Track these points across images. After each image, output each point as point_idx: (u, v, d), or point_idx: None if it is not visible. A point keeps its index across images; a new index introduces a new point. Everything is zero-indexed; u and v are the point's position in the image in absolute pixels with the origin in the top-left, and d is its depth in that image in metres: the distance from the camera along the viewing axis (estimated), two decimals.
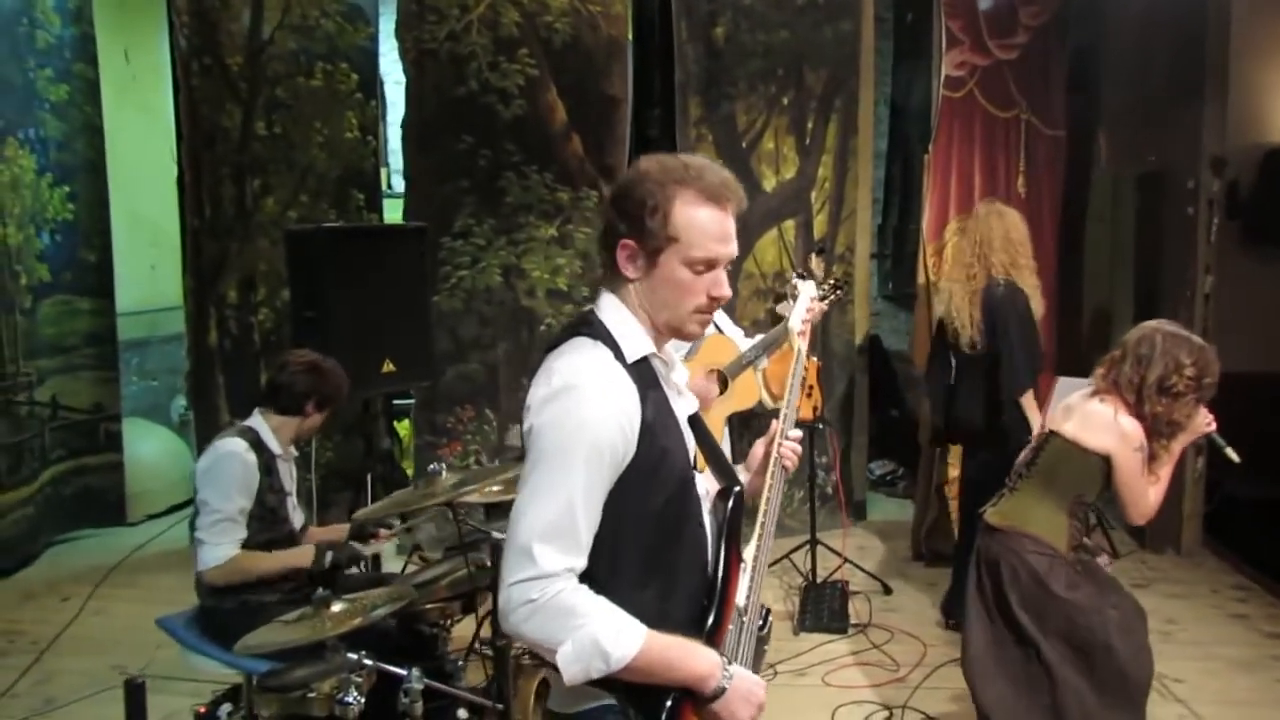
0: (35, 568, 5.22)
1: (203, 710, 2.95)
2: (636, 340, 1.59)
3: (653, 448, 1.54)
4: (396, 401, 6.12)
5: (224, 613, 2.86)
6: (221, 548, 2.81)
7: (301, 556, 2.92)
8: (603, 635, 1.44)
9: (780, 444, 1.85)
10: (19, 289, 5.18)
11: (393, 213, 6.15)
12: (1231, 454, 2.70)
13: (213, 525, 2.83)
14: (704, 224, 1.54)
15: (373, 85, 5.55)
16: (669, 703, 1.53)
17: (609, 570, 1.51)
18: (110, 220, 5.66)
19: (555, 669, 1.49)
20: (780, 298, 3.96)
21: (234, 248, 5.32)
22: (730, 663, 1.57)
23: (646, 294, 1.58)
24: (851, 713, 3.51)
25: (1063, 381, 4.65)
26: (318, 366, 3.08)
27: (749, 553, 1.74)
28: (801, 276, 2.17)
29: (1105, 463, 2.68)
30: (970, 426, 4.10)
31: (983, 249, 3.95)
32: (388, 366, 4.14)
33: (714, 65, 5.04)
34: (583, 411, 1.47)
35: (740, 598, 1.69)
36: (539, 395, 1.52)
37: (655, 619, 1.51)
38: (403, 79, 6.46)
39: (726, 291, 1.60)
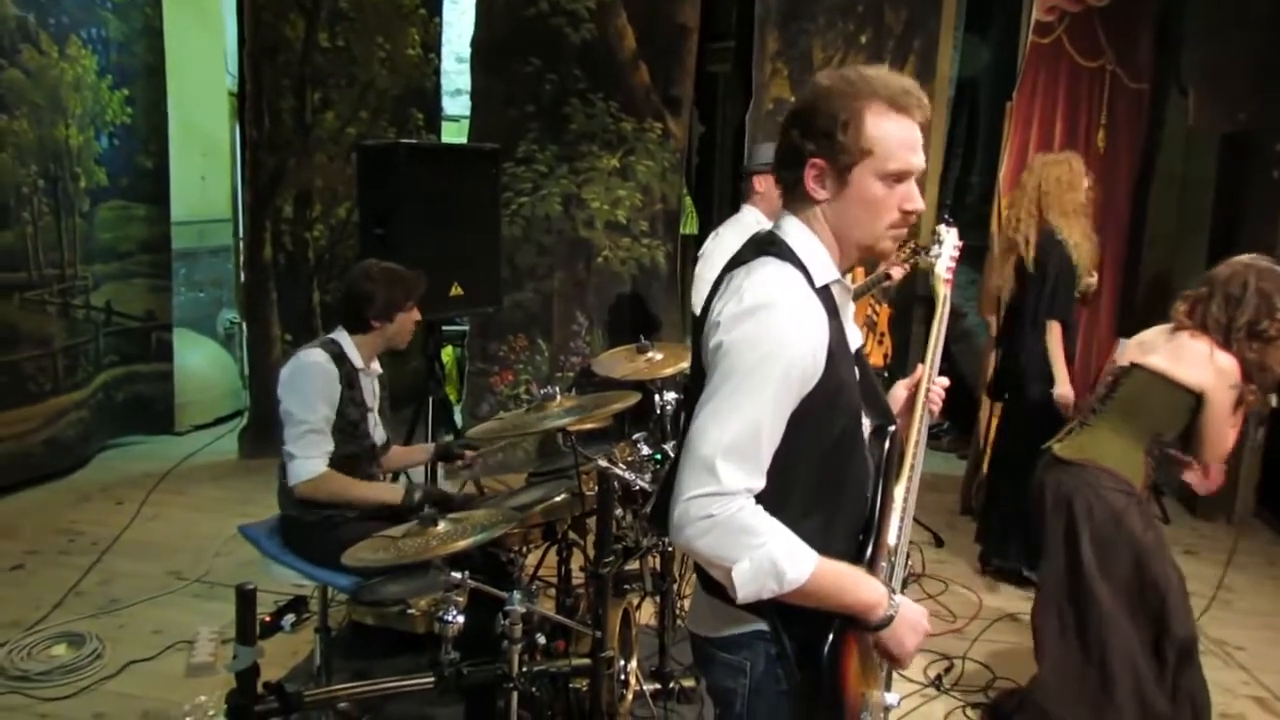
0: (89, 470, 5.27)
1: (268, 619, 2.97)
2: (823, 265, 1.54)
3: (833, 377, 1.49)
4: (445, 328, 6.08)
5: (307, 525, 2.85)
6: (312, 461, 2.79)
7: (392, 493, 2.89)
8: (780, 555, 1.41)
9: (928, 388, 1.82)
10: (78, 191, 5.12)
11: (446, 135, 6.05)
12: (1274, 400, 2.62)
13: (300, 437, 2.80)
14: (896, 134, 1.48)
15: (437, 1, 5.40)
16: (832, 635, 1.50)
17: (778, 495, 1.47)
18: (168, 128, 5.56)
19: (717, 595, 1.48)
20: (918, 249, 3.97)
21: (292, 162, 5.24)
22: (894, 592, 1.55)
23: (837, 214, 1.53)
24: (912, 663, 3.52)
25: (1123, 343, 4.60)
26: (394, 271, 3.03)
27: (899, 493, 1.72)
28: (947, 223, 2.09)
29: (1195, 399, 2.57)
30: (1004, 371, 4.15)
31: (1029, 194, 3.89)
32: (455, 290, 4.09)
33: None
34: (778, 331, 1.43)
35: (891, 537, 1.67)
36: (729, 311, 1.46)
37: (817, 547, 1.47)
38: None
39: (920, 204, 1.53)
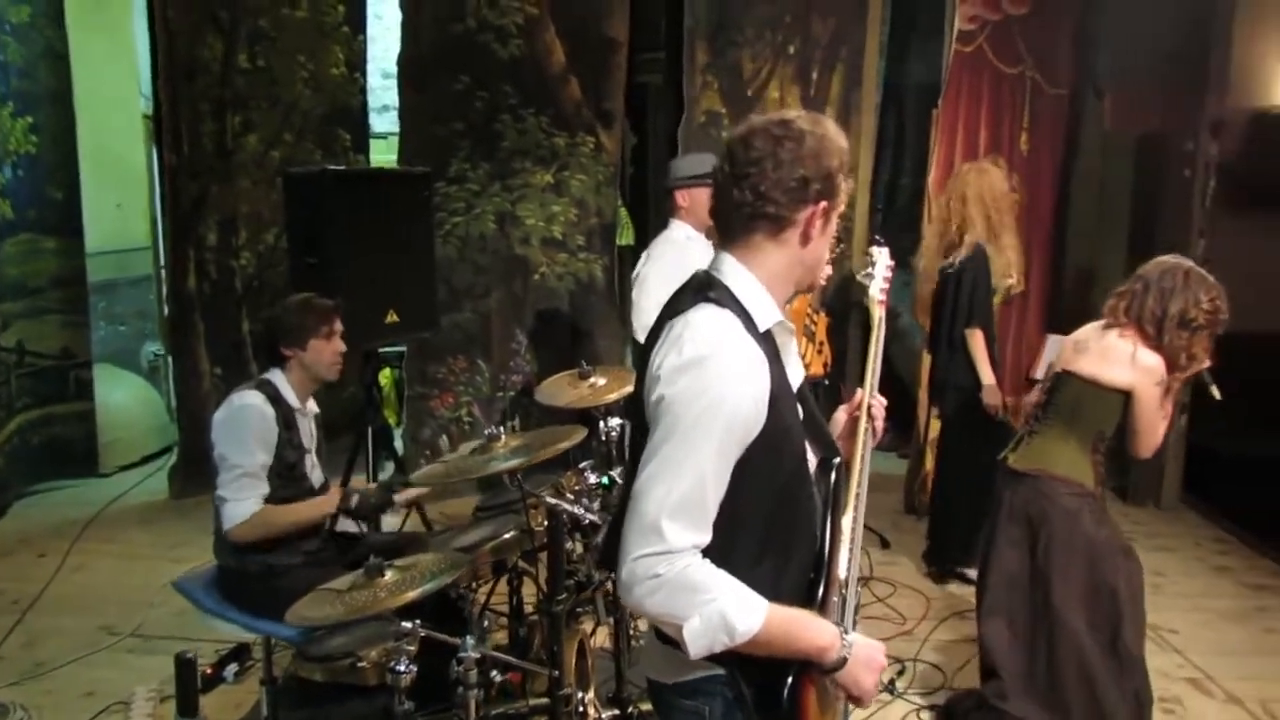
0: (6, 521, 5.02)
1: (210, 671, 2.88)
2: (766, 308, 1.54)
3: (777, 423, 1.49)
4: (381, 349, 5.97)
5: (247, 575, 2.76)
6: (245, 503, 2.71)
7: (328, 503, 2.84)
8: (730, 609, 1.41)
9: (869, 410, 1.82)
10: None
11: (375, 153, 5.94)
12: (1215, 391, 2.73)
13: (234, 481, 2.72)
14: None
15: (360, 18, 5.30)
16: (790, 678, 1.51)
17: (728, 545, 1.47)
18: (78, 155, 5.35)
19: (670, 643, 1.47)
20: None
21: (214, 188, 5.09)
22: (847, 632, 1.56)
23: (802, 256, 1.56)
24: None
25: (1052, 339, 4.73)
26: (307, 298, 2.97)
27: (846, 523, 1.71)
28: (877, 243, 2.11)
29: (1125, 397, 2.71)
30: (936, 378, 4.27)
31: (955, 203, 4.00)
32: (391, 317, 4.01)
33: (722, 11, 4.91)
34: (719, 384, 1.42)
35: (841, 570, 1.67)
36: (669, 364, 1.45)
37: (770, 592, 1.48)
38: (381, 14, 6.25)
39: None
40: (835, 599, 1.64)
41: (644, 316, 3.61)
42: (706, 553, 1.44)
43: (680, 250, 3.72)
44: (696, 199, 3.67)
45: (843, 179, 1.55)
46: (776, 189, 1.51)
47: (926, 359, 4.96)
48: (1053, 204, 5.17)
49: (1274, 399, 4.54)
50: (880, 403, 1.86)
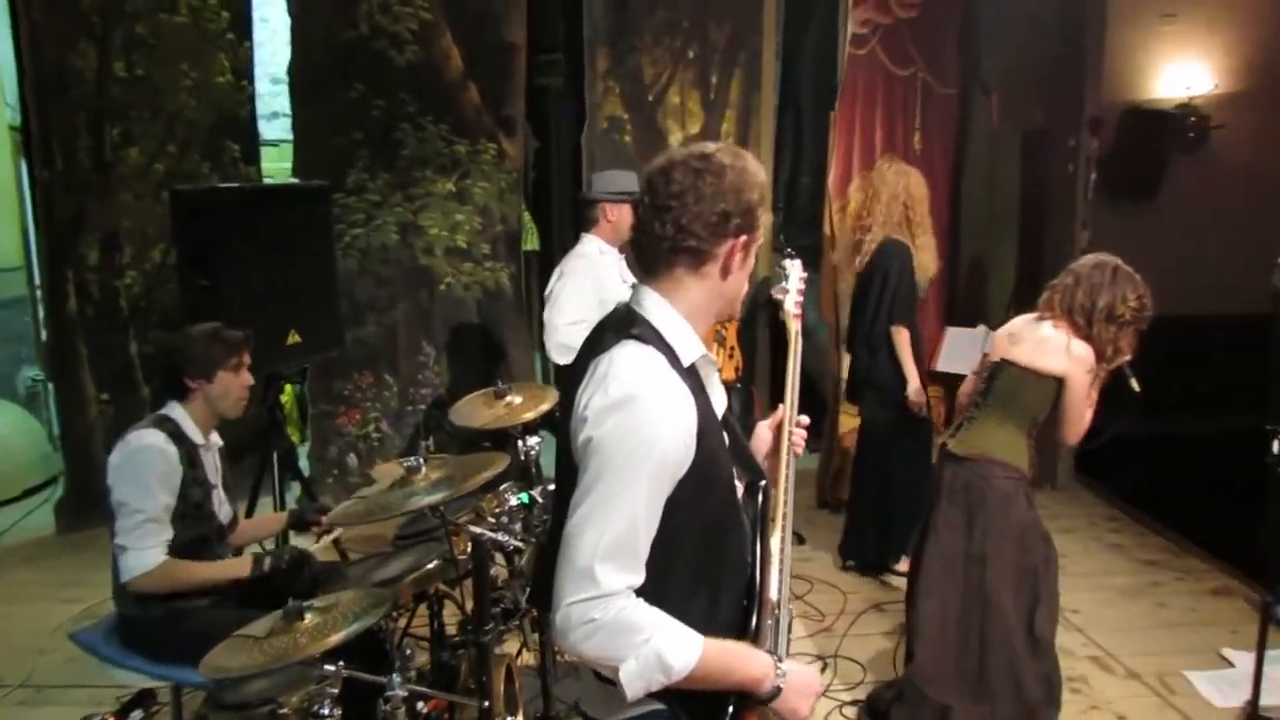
0: None
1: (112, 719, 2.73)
2: (689, 342, 1.54)
3: (705, 457, 1.50)
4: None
5: (150, 622, 2.62)
6: (148, 553, 2.55)
7: (239, 566, 2.69)
8: (664, 649, 1.41)
9: (791, 430, 1.85)
10: None
11: (267, 161, 5.72)
12: (1134, 384, 2.86)
13: (136, 528, 2.56)
14: None
15: (246, 23, 5.08)
16: (731, 708, 1.52)
17: (661, 582, 1.47)
18: None
19: (608, 681, 1.46)
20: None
21: (93, 204, 4.82)
22: (780, 660, 1.57)
23: (722, 289, 1.56)
24: None
25: (951, 331, 4.90)
26: (214, 328, 2.82)
27: (774, 544, 1.72)
28: (790, 256, 2.13)
29: (1058, 384, 2.83)
30: (855, 376, 4.33)
31: (872, 203, 4.10)
32: (293, 338, 3.87)
33: (621, 16, 4.90)
34: (646, 424, 1.42)
35: (772, 592, 1.68)
36: (595, 405, 1.44)
37: (705, 625, 1.49)
38: (268, 17, 6.02)
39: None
40: (769, 622, 1.66)
41: (556, 334, 3.60)
42: (640, 591, 1.44)
43: (592, 265, 3.74)
44: (624, 213, 3.69)
45: (762, 211, 1.56)
46: (697, 223, 1.51)
47: (838, 355, 5.09)
48: (946, 200, 5.34)
49: (1156, 381, 4.80)
50: (802, 421, 1.89)
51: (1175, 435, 5.37)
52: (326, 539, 2.83)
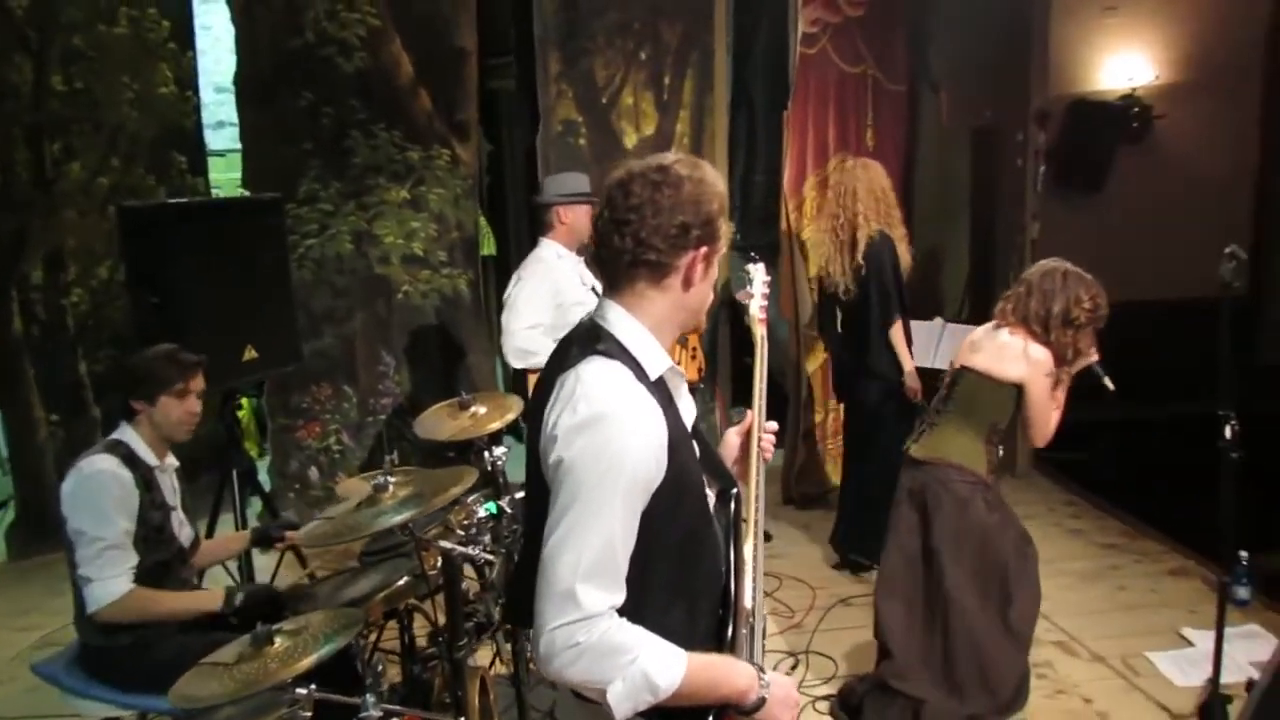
0: None
1: None
2: (655, 356, 1.53)
3: (677, 470, 1.49)
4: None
5: (116, 650, 2.56)
6: (114, 581, 2.50)
7: (210, 599, 2.65)
8: (651, 668, 1.40)
9: (760, 437, 1.85)
10: None
11: (214, 171, 5.62)
12: (1108, 383, 2.90)
13: (97, 557, 2.50)
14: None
15: (188, 33, 4.98)
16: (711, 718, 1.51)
17: (639, 597, 1.46)
18: None
19: (584, 698, 1.45)
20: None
21: (35, 221, 4.69)
22: (763, 670, 1.57)
23: (685, 300, 1.55)
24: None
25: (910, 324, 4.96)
26: (167, 349, 2.75)
27: (747, 550, 1.72)
28: (753, 260, 2.13)
29: (1018, 391, 2.88)
30: (850, 368, 4.33)
31: (847, 200, 4.12)
32: (249, 353, 3.81)
33: (571, 18, 4.87)
34: (619, 442, 1.41)
35: (747, 599, 1.68)
36: (565, 424, 1.43)
37: (684, 638, 1.49)
38: (210, 25, 5.91)
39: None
40: (745, 631, 1.66)
41: (514, 339, 3.62)
42: (620, 610, 1.43)
43: (550, 269, 3.76)
44: (578, 215, 3.75)
45: (723, 222, 1.56)
46: (656, 235, 1.50)
47: (799, 351, 5.12)
48: (899, 195, 5.36)
49: (1109, 368, 4.90)
50: (770, 427, 1.89)
51: (1129, 420, 5.49)
52: (290, 537, 2.79)
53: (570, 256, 3.83)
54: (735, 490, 1.71)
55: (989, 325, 3.01)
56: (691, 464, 1.55)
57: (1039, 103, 5.24)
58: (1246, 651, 3.44)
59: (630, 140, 5.13)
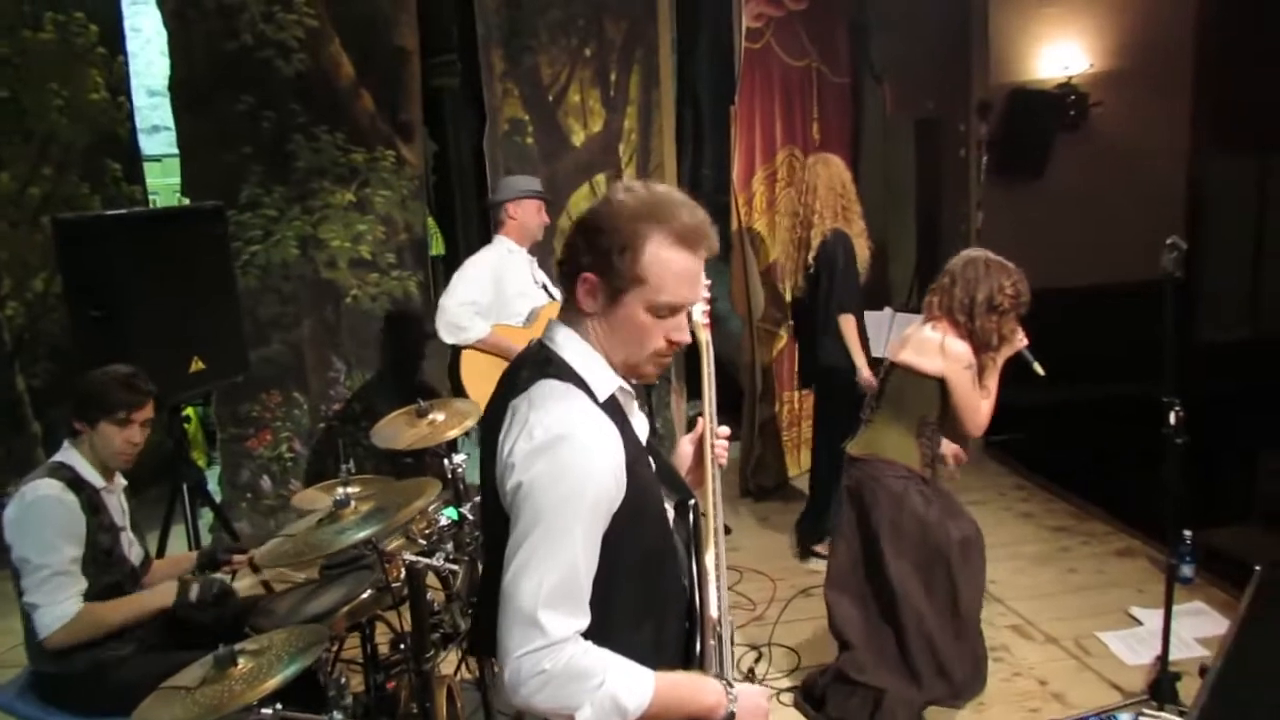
0: None
1: None
2: (604, 377, 1.51)
3: (636, 489, 1.48)
4: None
5: (72, 676, 2.49)
6: (62, 605, 2.43)
7: (163, 595, 2.58)
8: (619, 691, 1.40)
9: (712, 443, 1.85)
10: None
11: (151, 177, 5.48)
12: (1038, 368, 2.95)
13: (44, 584, 2.43)
14: (675, 268, 1.46)
15: (118, 36, 4.84)
16: None
17: (605, 619, 1.45)
18: None
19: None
20: None
21: None
22: (730, 684, 1.57)
23: (605, 331, 1.51)
24: None
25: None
26: (116, 372, 2.65)
27: (709, 560, 1.72)
28: None
29: (941, 384, 2.93)
30: (805, 364, 4.37)
31: (807, 197, 4.16)
32: (196, 365, 3.73)
33: (514, 15, 4.83)
34: (576, 465, 1.40)
35: (712, 609, 1.68)
36: (521, 450, 1.41)
37: (651, 656, 1.49)
38: (140, 27, 5.76)
39: (687, 336, 1.54)
40: (712, 642, 1.65)
41: (446, 314, 3.80)
42: (585, 632, 1.42)
43: (499, 259, 3.93)
44: (526, 211, 3.96)
45: (630, 263, 1.44)
46: (566, 246, 1.51)
47: (753, 345, 5.15)
48: None
49: (1053, 353, 5.01)
50: (723, 433, 1.89)
51: (1072, 402, 5.63)
52: (239, 560, 2.74)
53: (521, 252, 3.97)
54: (693, 501, 1.69)
55: (918, 320, 3.07)
56: (649, 481, 1.55)
57: (980, 93, 5.34)
58: (1192, 628, 3.56)
59: (578, 138, 5.11)
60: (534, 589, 1.37)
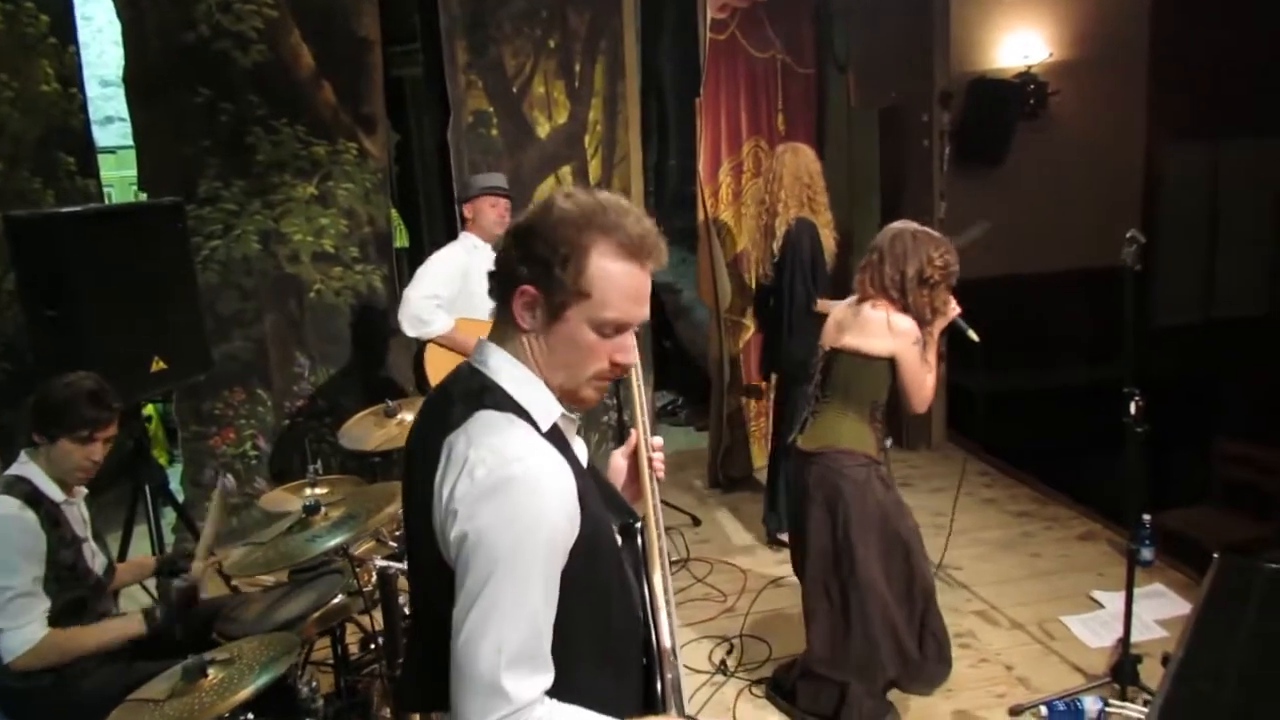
0: None
1: None
2: (544, 404, 1.39)
3: (589, 521, 1.37)
4: None
5: (37, 691, 2.45)
6: (26, 629, 2.38)
7: (130, 626, 2.54)
8: None
9: (649, 456, 1.72)
10: None
11: (105, 170, 5.34)
12: (972, 334, 2.93)
13: (6, 606, 2.37)
14: (621, 282, 1.34)
15: (69, 26, 4.69)
16: None
17: (567, 668, 1.34)
18: None
19: None
20: None
21: None
22: None
23: (543, 349, 1.38)
24: (695, 651, 3.66)
25: (823, 303, 5.05)
26: (80, 386, 2.56)
27: (657, 581, 1.58)
28: None
29: (890, 364, 2.90)
30: (771, 353, 4.38)
31: (773, 186, 4.17)
32: (157, 364, 3.66)
33: (476, 7, 4.78)
34: (529, 505, 1.27)
35: (665, 638, 1.56)
36: (463, 493, 1.27)
37: (613, 702, 1.42)
38: (92, 15, 5.61)
39: (633, 358, 1.42)
40: (670, 676, 1.55)
41: (409, 306, 3.83)
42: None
43: (465, 254, 3.95)
44: (479, 208, 4.00)
45: (574, 277, 1.33)
46: (500, 263, 1.41)
47: (720, 336, 5.16)
48: None
49: (1015, 339, 5.10)
50: (656, 443, 1.76)
51: (1033, 388, 5.72)
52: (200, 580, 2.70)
53: (485, 248, 3.96)
54: (637, 523, 1.58)
55: (850, 300, 3.01)
56: (599, 511, 1.42)
57: (942, 83, 5.37)
58: (1152, 610, 3.64)
59: (543, 130, 5.07)
60: (493, 653, 1.24)
